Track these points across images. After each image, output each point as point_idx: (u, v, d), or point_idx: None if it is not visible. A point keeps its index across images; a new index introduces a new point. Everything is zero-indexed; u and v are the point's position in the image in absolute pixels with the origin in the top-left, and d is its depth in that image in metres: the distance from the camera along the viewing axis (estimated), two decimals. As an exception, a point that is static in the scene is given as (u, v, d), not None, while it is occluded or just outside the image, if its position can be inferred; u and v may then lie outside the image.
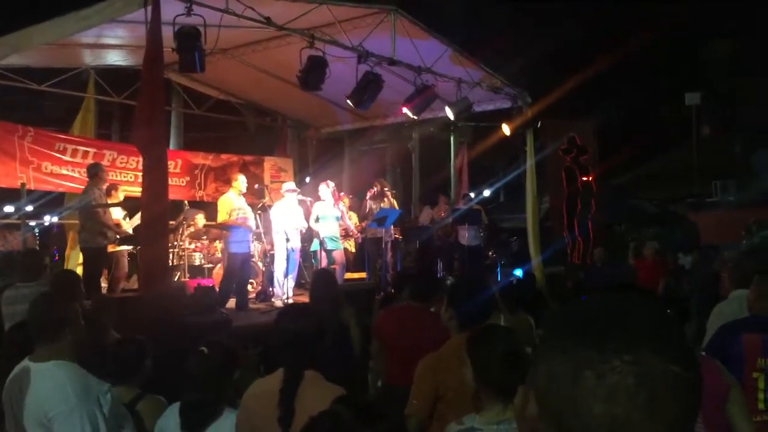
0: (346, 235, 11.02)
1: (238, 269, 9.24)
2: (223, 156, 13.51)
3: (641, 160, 20.28)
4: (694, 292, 8.15)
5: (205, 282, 9.69)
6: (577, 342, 0.93)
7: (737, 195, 18.33)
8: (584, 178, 13.77)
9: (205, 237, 10.52)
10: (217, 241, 10.78)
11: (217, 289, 8.94)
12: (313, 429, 1.37)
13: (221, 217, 9.25)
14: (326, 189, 10.41)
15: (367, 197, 11.20)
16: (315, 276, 6.00)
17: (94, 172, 9.06)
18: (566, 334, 0.95)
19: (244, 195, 9.57)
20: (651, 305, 0.97)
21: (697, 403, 0.91)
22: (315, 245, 10.06)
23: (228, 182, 9.47)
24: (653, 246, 10.62)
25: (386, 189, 11.43)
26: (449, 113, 10.68)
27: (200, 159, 13.03)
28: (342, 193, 11.79)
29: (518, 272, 11.35)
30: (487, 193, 16.63)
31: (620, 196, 18.73)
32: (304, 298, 9.41)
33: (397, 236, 11.43)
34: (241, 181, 9.48)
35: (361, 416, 1.33)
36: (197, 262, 10.74)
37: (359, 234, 11.27)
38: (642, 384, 0.88)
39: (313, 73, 8.67)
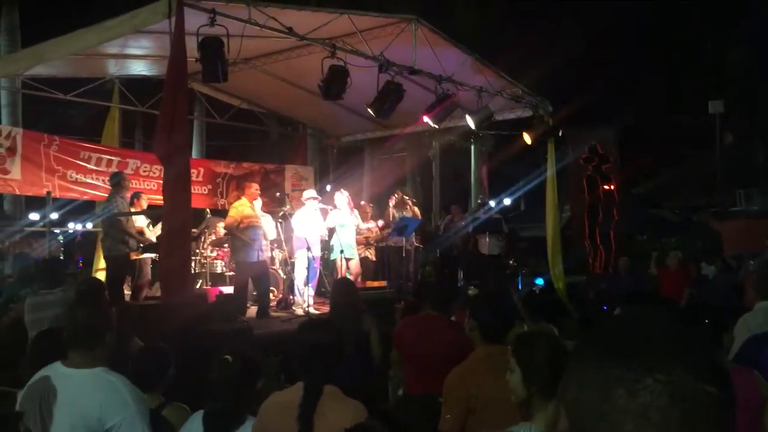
0: (366, 243, 11.04)
1: (251, 278, 9.28)
2: (245, 164, 13.61)
3: (663, 168, 20.12)
4: (718, 303, 8.06)
5: (227, 290, 9.74)
6: (608, 358, 0.92)
7: (761, 204, 18.12)
8: (606, 187, 13.70)
9: (226, 245, 10.58)
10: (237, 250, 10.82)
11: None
12: None
13: (228, 222, 9.28)
14: (341, 197, 10.44)
15: (390, 205, 11.22)
16: (336, 285, 6.01)
17: (117, 181, 9.16)
18: (598, 350, 0.94)
19: (264, 203, 9.57)
20: (683, 321, 0.96)
21: (731, 423, 0.89)
22: (334, 253, 10.07)
23: (248, 191, 9.53)
24: (677, 255, 10.51)
25: (407, 198, 11.44)
26: (470, 122, 10.67)
27: (222, 167, 13.13)
28: (363, 202, 11.82)
29: (539, 281, 11.29)
30: (507, 201, 16.59)
31: (642, 205, 18.59)
32: (325, 307, 9.44)
33: (417, 245, 11.42)
34: (254, 190, 9.50)
35: (394, 430, 1.33)
36: (219, 270, 10.81)
37: (381, 231, 11.20)
38: (675, 403, 0.86)
39: (335, 82, 8.72)
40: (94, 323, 2.97)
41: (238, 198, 9.85)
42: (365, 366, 4.81)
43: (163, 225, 7.09)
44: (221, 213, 12.09)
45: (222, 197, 12.88)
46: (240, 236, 9.08)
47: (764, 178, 18.96)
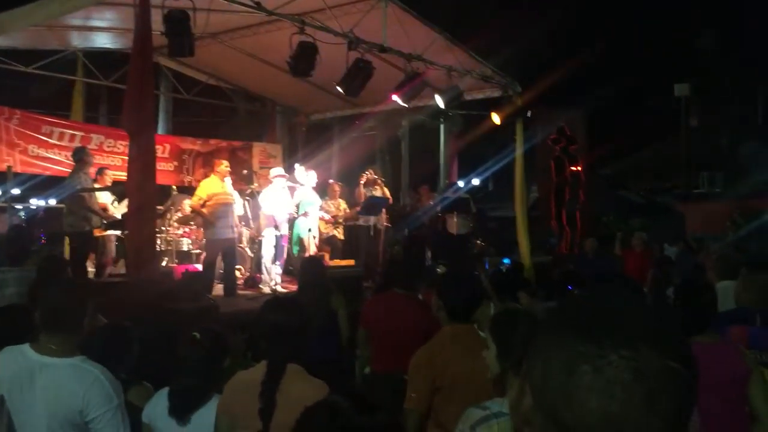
0: (335, 222, 11.01)
1: (219, 256, 9.21)
2: (212, 141, 13.45)
3: (630, 150, 20.36)
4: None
5: (193, 268, 9.65)
6: (574, 336, 0.92)
7: (724, 187, 18.46)
8: (573, 168, 13.82)
9: (192, 222, 10.47)
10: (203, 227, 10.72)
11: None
12: (310, 419, 1.36)
13: (193, 201, 9.17)
14: (304, 173, 10.34)
15: (360, 184, 11.18)
16: (304, 263, 5.98)
17: (80, 157, 8.97)
18: (563, 329, 0.94)
19: (232, 180, 9.47)
20: (649, 301, 0.97)
21: (694, 400, 0.90)
22: (300, 232, 10.01)
23: (215, 168, 9.42)
24: (641, 237, 10.66)
25: (377, 177, 11.41)
26: (439, 101, 10.65)
27: (189, 144, 12.97)
28: (332, 181, 11.77)
29: (506, 261, 11.36)
30: (476, 182, 16.64)
31: (608, 186, 18.81)
32: (292, 285, 9.41)
33: (386, 224, 11.42)
34: (224, 167, 9.37)
35: (358, 407, 1.32)
36: (185, 248, 10.69)
37: (349, 210, 11.17)
38: (639, 379, 0.87)
39: (304, 59, 8.62)
40: (74, 306, 2.83)
41: (206, 175, 9.73)
42: (333, 345, 4.82)
43: (129, 201, 6.97)
44: (187, 190, 11.95)
45: (188, 174, 12.73)
46: (207, 214, 8.97)
47: (728, 161, 19.29)
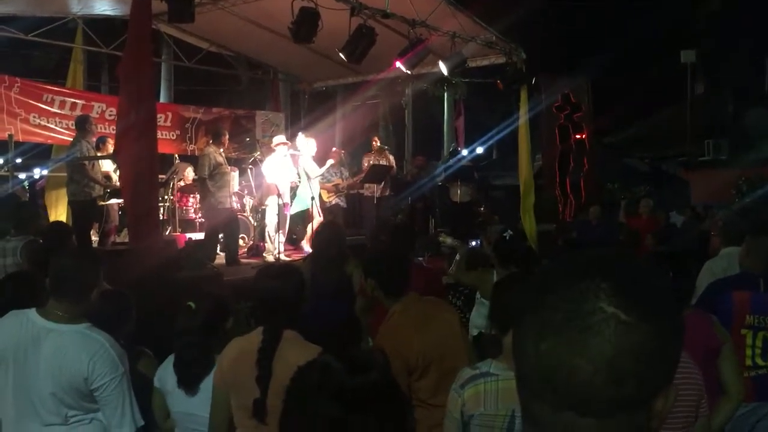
0: (337, 190, 10.98)
1: (225, 225, 9.21)
2: (214, 110, 13.37)
3: (635, 118, 20.19)
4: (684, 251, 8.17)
5: (196, 236, 9.66)
6: (538, 288, 0.92)
7: (729, 155, 18.33)
8: (577, 136, 13.71)
9: (196, 191, 10.45)
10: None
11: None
12: (302, 379, 1.35)
13: (204, 171, 9.14)
14: (303, 141, 10.27)
15: (367, 153, 11.13)
16: (322, 227, 5.93)
17: (83, 125, 8.93)
18: (534, 282, 0.94)
19: (233, 149, 9.45)
20: (636, 259, 0.95)
21: (645, 353, 0.86)
22: (302, 200, 9.96)
23: (218, 136, 9.37)
24: (648, 203, 10.60)
25: (383, 146, 11.37)
26: (443, 68, 10.55)
27: (191, 112, 12.89)
28: (335, 148, 11.71)
29: (509, 229, 11.35)
30: (480, 150, 16.56)
31: (613, 154, 18.70)
32: (296, 254, 9.41)
33: (390, 193, 11.39)
34: (225, 138, 9.35)
35: (350, 366, 1.31)
36: (188, 217, 10.69)
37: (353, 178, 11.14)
38: (571, 320, 0.85)
39: (305, 25, 8.53)
40: (84, 273, 2.82)
41: (209, 144, 9.69)
42: (345, 309, 4.81)
43: (125, 170, 6.93)
44: (190, 159, 11.92)
45: (191, 143, 12.67)
46: (212, 182, 8.97)
47: (733, 129, 19.13)
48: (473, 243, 8.15)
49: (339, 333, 3.67)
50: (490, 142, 16.27)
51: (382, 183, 11.01)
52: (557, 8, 17.38)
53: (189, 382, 2.98)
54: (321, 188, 10.45)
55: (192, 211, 10.69)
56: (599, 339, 0.85)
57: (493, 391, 2.54)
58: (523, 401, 0.93)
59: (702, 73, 20.78)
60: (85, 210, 8.71)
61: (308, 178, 9.85)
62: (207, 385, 2.95)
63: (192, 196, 10.62)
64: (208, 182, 8.95)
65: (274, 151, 9.90)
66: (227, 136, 9.38)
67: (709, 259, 5.06)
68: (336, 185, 10.93)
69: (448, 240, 6.29)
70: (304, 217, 10.07)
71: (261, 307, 2.91)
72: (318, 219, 9.56)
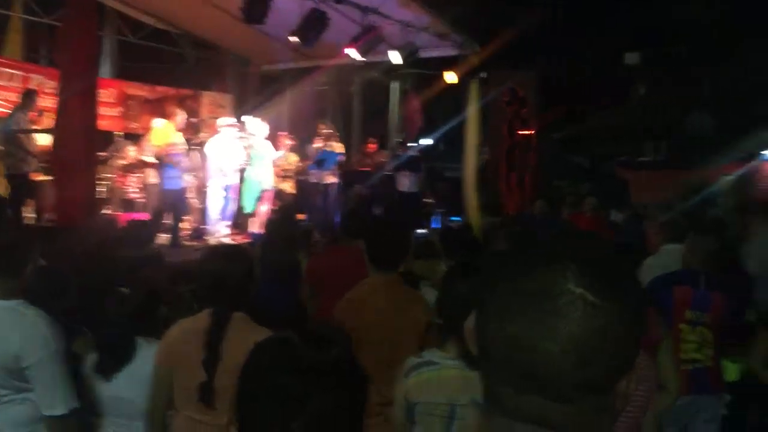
0: (284, 176, 10.85)
1: (170, 205, 9.02)
2: (159, 88, 13.06)
3: (580, 115, 20.57)
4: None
5: (138, 216, 9.42)
6: (504, 272, 0.92)
7: (669, 156, 18.85)
8: (524, 131, 13.88)
9: (138, 170, 10.18)
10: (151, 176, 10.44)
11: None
12: (260, 356, 1.30)
13: (157, 148, 8.94)
14: (256, 124, 10.11)
15: (315, 139, 11.03)
16: (275, 212, 5.88)
17: (26, 98, 8.57)
18: (499, 267, 0.94)
19: (181, 130, 9.27)
20: (602, 243, 0.94)
21: (610, 333, 0.86)
22: (251, 184, 9.82)
23: (165, 116, 9.16)
24: (592, 201, 10.78)
25: (332, 132, 11.29)
26: (394, 58, 10.52)
27: (135, 90, 12.57)
28: (281, 133, 11.57)
29: (456, 219, 11.44)
30: (428, 141, 16.61)
31: (558, 150, 19.01)
32: (239, 237, 9.28)
33: (338, 180, 11.33)
34: (180, 118, 9.16)
35: (311, 342, 1.27)
36: (128, 196, 10.41)
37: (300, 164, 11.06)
38: (539, 303, 0.86)
39: (257, 5, 8.38)
40: (15, 248, 2.67)
41: (160, 122, 9.44)
42: (293, 296, 4.77)
43: (61, 146, 6.69)
44: (132, 137, 11.62)
45: (134, 121, 12.34)
46: (164, 162, 8.79)
47: (674, 130, 19.67)
48: (420, 232, 8.19)
49: (286, 317, 3.62)
50: (439, 134, 16.33)
51: (331, 170, 10.94)
52: (509, 2, 17.53)
53: (106, 368, 2.88)
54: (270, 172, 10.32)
55: (133, 190, 10.40)
56: (567, 321, 0.85)
57: (435, 379, 2.55)
58: (488, 385, 0.92)
59: (645, 75, 21.29)
60: (20, 184, 8.39)
61: (261, 161, 9.74)
62: (129, 372, 2.86)
63: (133, 174, 10.34)
64: (164, 160, 8.79)
65: (219, 132, 9.73)
66: (184, 117, 9.19)
67: (648, 255, 5.18)
68: (284, 170, 10.80)
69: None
70: (254, 200, 9.93)
71: (209, 289, 2.84)
72: (267, 203, 9.46)
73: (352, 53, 10.03)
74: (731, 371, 3.96)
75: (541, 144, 14.64)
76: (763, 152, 18.11)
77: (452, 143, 14.72)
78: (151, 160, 9.40)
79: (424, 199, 12.92)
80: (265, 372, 1.28)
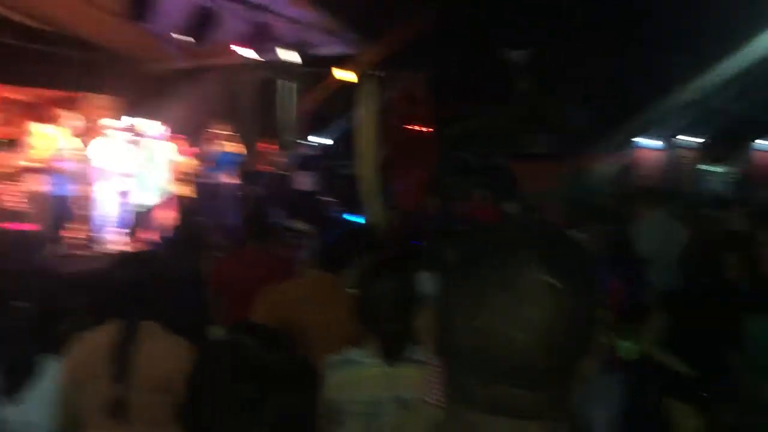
0: (182, 179, 10.57)
1: (57, 214, 8.61)
2: (38, 91, 12.40)
3: (470, 112, 21.09)
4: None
5: (25, 226, 8.94)
6: (465, 262, 0.92)
7: (552, 148, 19.67)
8: (418, 129, 14.11)
9: (19, 178, 9.62)
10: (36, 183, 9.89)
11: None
12: (213, 361, 1.27)
13: (41, 154, 8.51)
14: (149, 125, 9.81)
15: (212, 141, 10.79)
16: (180, 218, 5.73)
17: None
18: (459, 257, 0.94)
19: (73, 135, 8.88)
20: (559, 230, 0.97)
21: (574, 316, 0.88)
22: (147, 188, 9.51)
23: (48, 120, 8.73)
24: (483, 194, 11.09)
25: (227, 132, 11.09)
26: (285, 55, 10.45)
27: (10, 92, 11.87)
28: (173, 134, 11.26)
29: (353, 218, 11.49)
30: (322, 140, 16.59)
31: (450, 147, 19.43)
32: (136, 244, 8.99)
33: (235, 181, 11.14)
34: (70, 121, 8.75)
35: (265, 344, 1.26)
36: (12, 206, 9.81)
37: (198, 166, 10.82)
38: (506, 291, 0.86)
39: (141, 3, 8.12)
40: None
41: (44, 127, 8.98)
42: (199, 299, 4.67)
43: None
44: (8, 143, 10.96)
45: (13, 126, 11.66)
46: (50, 168, 8.36)
47: (557, 123, 20.51)
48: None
49: (194, 324, 3.54)
50: (334, 132, 16.35)
51: (232, 171, 10.77)
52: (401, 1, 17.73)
53: (10, 390, 2.74)
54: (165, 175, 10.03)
55: (16, 199, 9.82)
56: (536, 308, 0.86)
57: (356, 378, 2.57)
58: (450, 375, 0.93)
59: (531, 71, 22.08)
60: None
61: (156, 164, 9.45)
62: (35, 392, 2.73)
63: (15, 183, 9.76)
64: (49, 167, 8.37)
65: (105, 135, 9.37)
66: (74, 120, 8.78)
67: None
68: (183, 173, 10.52)
69: (299, 225, 6.27)
70: (150, 205, 9.61)
71: (116, 297, 2.74)
72: (165, 208, 9.21)
73: (244, 52, 9.89)
74: (629, 352, 4.19)
75: (435, 141, 14.94)
76: (637, 141, 19.27)
77: (349, 142, 14.77)
78: (35, 166, 8.92)
79: (322, 198, 12.90)
80: (218, 378, 1.25)
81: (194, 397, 1.27)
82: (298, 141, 13.69)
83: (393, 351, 2.52)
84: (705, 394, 3.96)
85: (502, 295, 0.86)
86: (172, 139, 10.81)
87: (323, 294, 3.34)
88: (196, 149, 11.33)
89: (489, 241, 0.93)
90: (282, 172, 12.31)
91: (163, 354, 2.57)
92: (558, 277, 0.87)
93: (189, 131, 12.88)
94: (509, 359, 0.86)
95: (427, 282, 3.06)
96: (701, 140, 21.77)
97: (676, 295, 4.51)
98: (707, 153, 21.68)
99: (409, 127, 14.12)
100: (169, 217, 9.26)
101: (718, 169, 21.27)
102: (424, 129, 14.21)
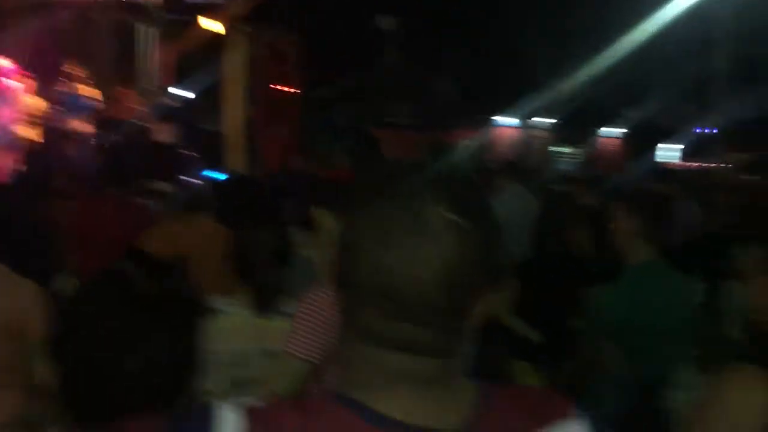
0: (31, 122, 9.83)
1: None
2: None
3: (339, 75, 21.08)
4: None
5: None
6: (372, 202, 0.94)
7: (416, 118, 20.10)
8: (285, 89, 13.92)
9: None
10: None
11: None
12: (96, 293, 1.22)
13: None
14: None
15: (64, 82, 10.07)
16: (23, 164, 5.34)
17: None
18: (366, 197, 0.96)
19: None
20: (462, 177, 1.01)
21: (476, 257, 0.90)
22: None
23: None
24: (344, 158, 11.18)
25: (82, 75, 10.40)
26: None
27: None
28: (23, 74, 10.43)
29: (216, 175, 11.23)
30: (186, 92, 15.95)
31: (318, 109, 19.36)
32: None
33: (87, 127, 10.51)
34: None
35: (150, 271, 1.22)
36: None
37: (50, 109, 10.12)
38: (413, 229, 0.88)
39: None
40: None
41: None
42: (48, 246, 4.43)
43: None
44: None
45: None
46: None
47: (420, 92, 20.92)
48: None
49: (42, 269, 3.38)
50: (199, 86, 15.80)
51: (86, 116, 10.15)
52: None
53: None
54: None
55: None
56: (441, 247, 0.88)
57: (224, 328, 2.56)
58: (349, 311, 0.94)
59: (398, 39, 22.33)
60: None
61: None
62: None
63: None
64: None
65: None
66: None
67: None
68: (30, 116, 9.77)
69: (159, 185, 6.08)
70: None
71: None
72: (10, 152, 8.55)
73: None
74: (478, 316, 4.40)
75: (301, 103, 14.82)
76: (497, 118, 20.08)
77: (212, 97, 14.34)
78: None
79: (182, 151, 12.47)
80: (96, 313, 1.19)
81: (67, 335, 1.21)
82: (157, 91, 13.11)
83: (265, 303, 2.54)
84: (546, 355, 4.27)
85: (407, 233, 0.88)
86: (18, 77, 10.01)
87: (205, 240, 3.31)
88: (46, 90, 10.57)
89: (396, 180, 0.95)
90: (141, 122, 11.74)
91: (12, 296, 2.44)
92: (463, 217, 0.90)
93: (39, 71, 11.98)
94: (413, 297, 0.87)
95: (295, 236, 3.08)
96: (553, 122, 23.09)
97: (527, 264, 4.80)
98: (558, 134, 23.06)
99: (277, 86, 13.89)
100: (13, 161, 8.62)
101: (568, 149, 22.70)
102: (291, 89, 14.03)
